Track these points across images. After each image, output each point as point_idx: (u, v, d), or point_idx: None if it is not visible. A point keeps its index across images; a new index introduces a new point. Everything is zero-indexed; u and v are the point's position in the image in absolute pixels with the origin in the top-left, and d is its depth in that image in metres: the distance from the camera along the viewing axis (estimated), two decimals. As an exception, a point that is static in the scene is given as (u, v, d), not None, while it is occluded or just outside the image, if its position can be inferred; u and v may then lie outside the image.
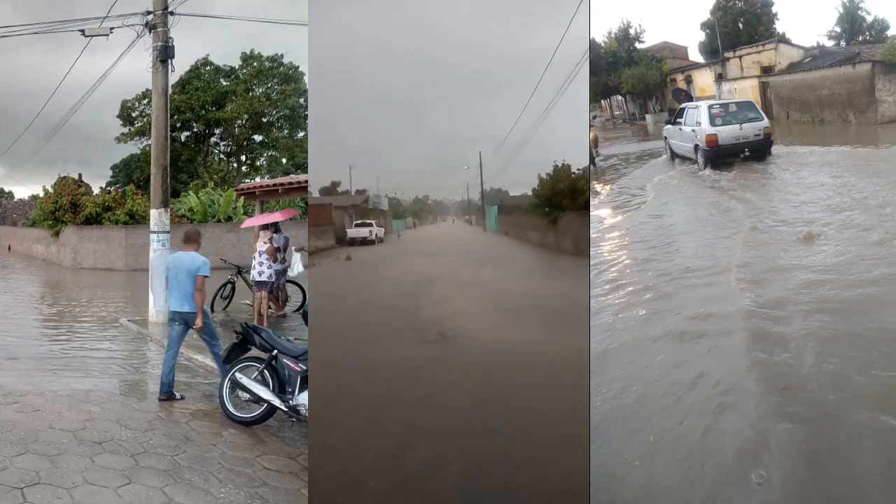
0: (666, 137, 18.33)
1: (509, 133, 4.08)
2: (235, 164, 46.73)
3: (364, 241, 13.80)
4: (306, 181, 13.92)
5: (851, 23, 27.01)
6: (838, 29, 27.55)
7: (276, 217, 13.19)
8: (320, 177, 13.70)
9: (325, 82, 4.50)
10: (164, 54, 12.62)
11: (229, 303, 13.28)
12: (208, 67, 42.98)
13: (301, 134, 43.51)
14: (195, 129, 43.44)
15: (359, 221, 14.22)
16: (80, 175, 34.93)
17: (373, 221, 14.24)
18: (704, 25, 28.88)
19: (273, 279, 11.62)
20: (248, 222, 14.96)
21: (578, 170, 4.08)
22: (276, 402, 6.20)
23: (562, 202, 4.00)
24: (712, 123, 15.32)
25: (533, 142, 3.98)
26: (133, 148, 45.33)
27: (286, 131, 44.23)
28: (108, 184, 44.78)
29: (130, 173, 46.08)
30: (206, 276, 7.17)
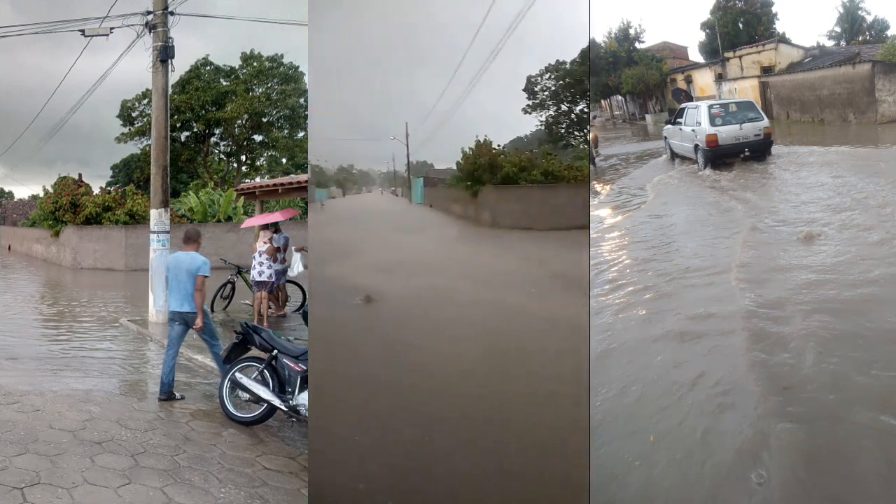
0: (666, 137, 18.31)
1: (435, 104, 4.13)
2: (235, 164, 46.72)
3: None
4: (306, 181, 13.93)
5: (851, 23, 26.94)
6: (838, 29, 27.47)
7: (276, 217, 13.19)
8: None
9: (325, 82, 4.49)
10: (164, 54, 12.62)
11: (229, 303, 13.28)
12: (208, 67, 42.95)
13: (301, 134, 43.50)
14: (195, 129, 43.40)
15: None
16: (80, 175, 34.83)
17: None
18: (704, 25, 28.78)
19: (273, 279, 11.62)
20: (248, 222, 14.96)
21: (499, 145, 4.24)
22: (276, 402, 6.20)
23: (482, 177, 4.13)
24: (712, 123, 15.29)
25: (458, 115, 4.05)
26: (133, 148, 45.34)
27: (286, 131, 44.21)
28: (108, 184, 44.78)
29: (130, 173, 46.08)
30: (206, 276, 7.18)
